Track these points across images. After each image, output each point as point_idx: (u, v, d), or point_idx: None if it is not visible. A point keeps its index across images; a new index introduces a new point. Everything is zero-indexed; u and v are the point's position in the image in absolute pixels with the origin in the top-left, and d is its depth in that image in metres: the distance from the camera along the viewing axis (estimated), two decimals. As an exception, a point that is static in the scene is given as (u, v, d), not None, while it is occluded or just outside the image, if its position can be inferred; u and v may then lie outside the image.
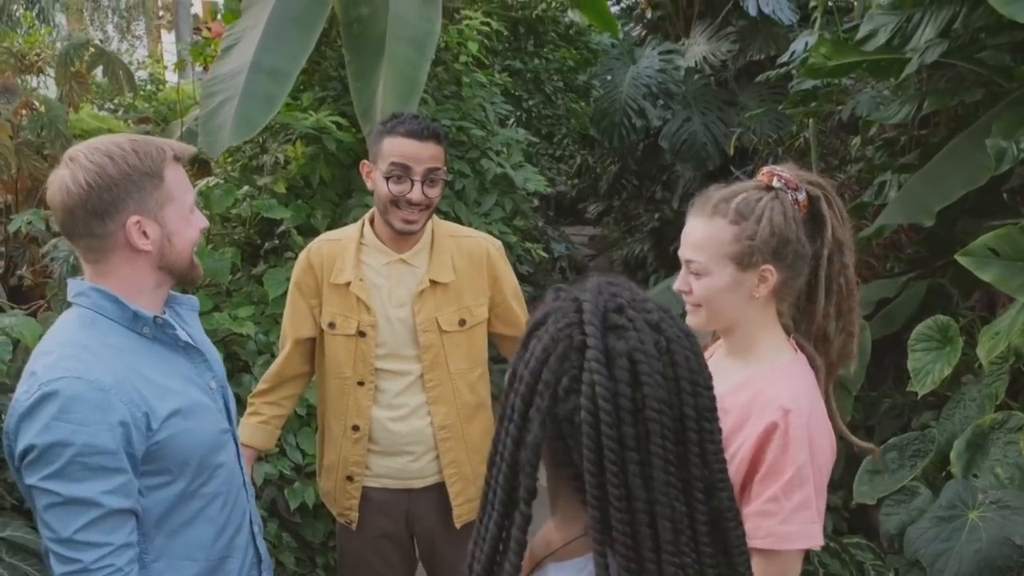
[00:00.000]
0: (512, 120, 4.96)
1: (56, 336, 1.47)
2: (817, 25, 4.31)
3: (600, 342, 0.92)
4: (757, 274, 1.54)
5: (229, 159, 3.87)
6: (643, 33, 7.49)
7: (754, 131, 5.63)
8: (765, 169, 1.58)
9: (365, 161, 2.22)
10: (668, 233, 7.30)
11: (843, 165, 5.01)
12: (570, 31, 5.99)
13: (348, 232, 2.28)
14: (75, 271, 2.80)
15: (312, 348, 2.29)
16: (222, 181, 3.41)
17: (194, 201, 1.58)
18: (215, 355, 1.71)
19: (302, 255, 2.28)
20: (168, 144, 1.54)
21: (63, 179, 1.44)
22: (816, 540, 1.49)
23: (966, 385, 2.91)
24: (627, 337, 0.93)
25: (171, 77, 7.36)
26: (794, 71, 4.65)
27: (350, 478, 2.24)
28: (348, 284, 2.17)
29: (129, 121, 5.19)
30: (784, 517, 1.45)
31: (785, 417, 1.47)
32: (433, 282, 2.18)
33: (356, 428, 2.20)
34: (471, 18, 4.07)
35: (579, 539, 0.99)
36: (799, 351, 1.61)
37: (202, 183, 3.36)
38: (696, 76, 6.84)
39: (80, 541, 1.37)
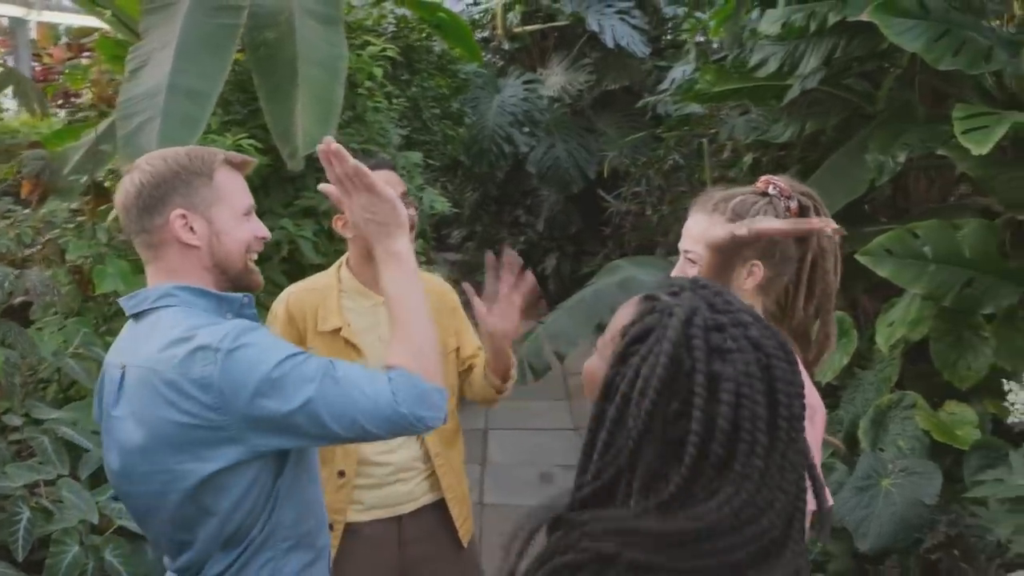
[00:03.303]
0: (401, 145, 5.05)
1: (177, 326, 1.43)
2: (691, 56, 4.70)
3: (706, 366, 0.94)
4: (747, 268, 1.71)
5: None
6: (500, 64, 7.78)
7: (625, 155, 5.98)
8: (764, 178, 1.76)
9: (337, 216, 2.23)
10: (534, 255, 7.58)
11: (717, 182, 5.46)
12: (441, 60, 6.15)
13: (322, 280, 2.28)
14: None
15: None
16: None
17: (251, 208, 1.58)
18: None
19: (278, 307, 2.24)
20: (223, 152, 1.58)
21: (124, 183, 1.51)
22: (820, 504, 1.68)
23: (863, 371, 3.27)
24: (732, 360, 0.95)
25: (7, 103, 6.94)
26: (669, 98, 5.04)
27: (330, 526, 2.22)
28: (338, 330, 2.16)
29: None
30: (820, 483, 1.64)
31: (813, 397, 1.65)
32: None
33: (342, 474, 2.16)
34: (373, 43, 4.15)
35: None
36: None
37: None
38: (556, 105, 7.19)
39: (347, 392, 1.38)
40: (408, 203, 2.16)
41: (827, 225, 1.57)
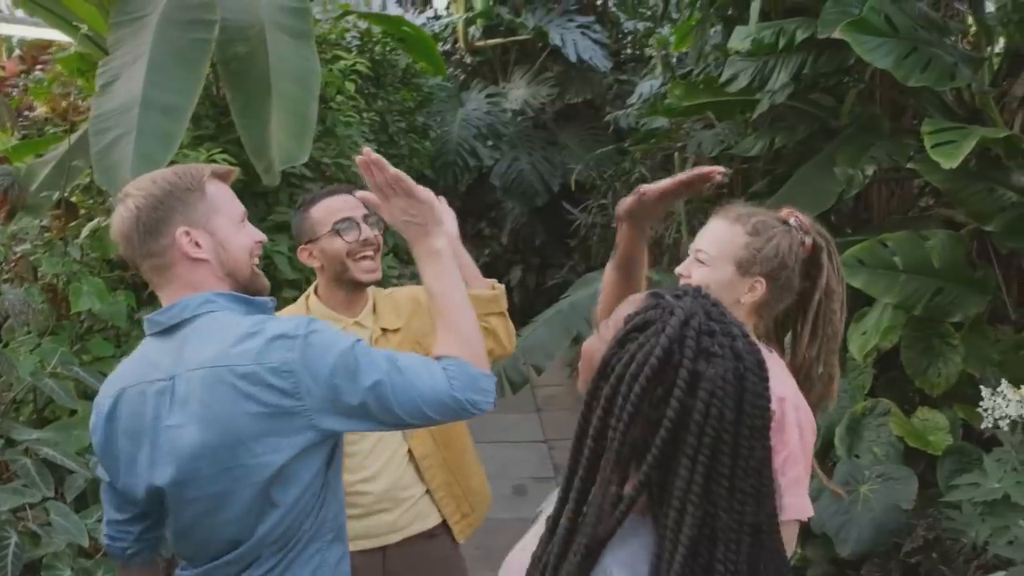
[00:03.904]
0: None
1: (237, 324, 1.46)
2: (658, 71, 4.77)
3: (692, 364, 1.08)
4: (749, 283, 1.76)
5: (98, 198, 3.69)
6: (463, 77, 7.81)
7: (591, 168, 6.04)
8: (787, 210, 1.81)
9: (302, 247, 2.25)
10: (498, 268, 7.59)
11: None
12: (406, 73, 6.16)
13: (293, 310, 2.29)
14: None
15: None
16: (105, 221, 3.25)
17: (245, 215, 1.61)
18: None
19: None
20: (207, 166, 1.61)
21: (118, 213, 1.52)
22: (807, 511, 1.72)
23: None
24: (715, 364, 1.08)
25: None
26: (635, 112, 5.11)
27: None
28: None
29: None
30: (779, 493, 1.68)
31: (780, 405, 1.68)
32: (384, 330, 2.24)
33: None
34: (344, 58, 4.14)
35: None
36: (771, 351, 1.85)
37: (92, 223, 3.19)
38: (519, 118, 7.24)
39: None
40: (372, 224, 2.19)
41: (715, 171, 1.66)
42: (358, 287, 2.23)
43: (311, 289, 2.33)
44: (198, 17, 3.59)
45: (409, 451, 2.25)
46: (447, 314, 1.55)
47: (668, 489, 1.08)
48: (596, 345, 1.26)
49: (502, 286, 2.29)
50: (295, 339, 1.42)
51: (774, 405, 1.65)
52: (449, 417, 1.47)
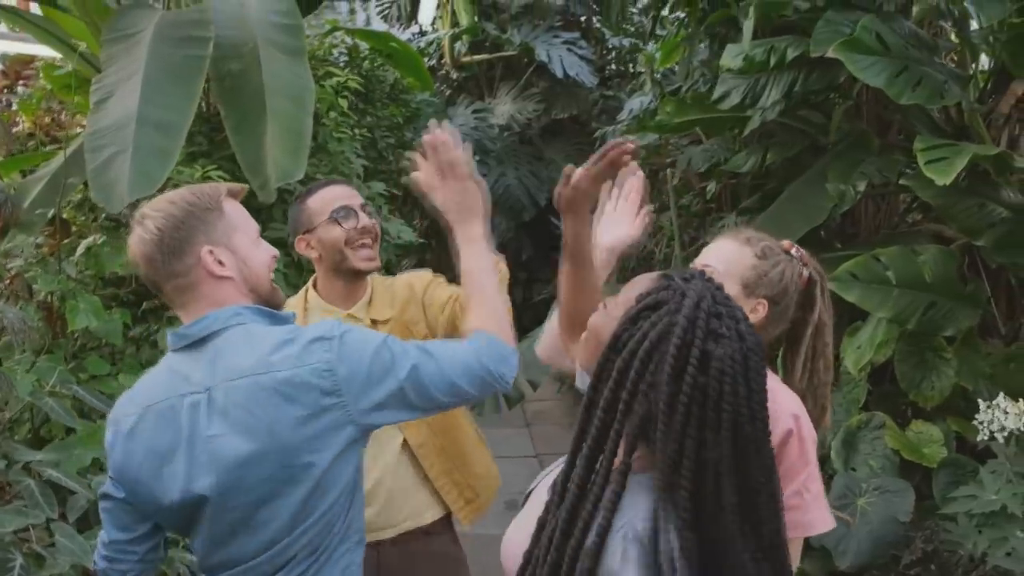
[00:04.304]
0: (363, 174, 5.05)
1: (270, 333, 1.50)
2: (647, 88, 4.82)
3: (703, 344, 1.16)
4: (753, 304, 1.77)
5: (90, 216, 3.67)
6: (448, 93, 7.83)
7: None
8: (788, 242, 1.84)
9: (300, 237, 2.26)
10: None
11: (661, 210, 5.58)
12: (394, 89, 6.17)
13: (291, 303, 2.29)
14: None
15: None
16: (101, 238, 3.24)
17: (259, 231, 1.64)
18: None
19: None
20: (221, 184, 1.64)
21: (138, 235, 1.52)
22: (830, 522, 1.75)
23: (833, 394, 3.37)
24: (723, 344, 1.16)
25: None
26: (624, 128, 5.15)
27: None
28: None
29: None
30: (806, 508, 1.70)
31: (797, 422, 1.71)
32: (374, 320, 2.24)
33: None
34: (337, 75, 4.15)
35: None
36: None
37: (88, 240, 3.17)
38: (505, 134, 7.27)
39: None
40: (369, 213, 2.22)
41: (627, 143, 1.68)
42: (357, 276, 2.24)
43: (310, 283, 2.34)
44: (192, 34, 3.59)
45: (404, 441, 2.24)
46: (479, 294, 1.64)
47: (691, 460, 1.14)
48: (603, 321, 1.34)
49: (505, 268, 2.25)
50: (331, 340, 1.47)
51: (791, 425, 1.69)
52: (480, 388, 1.53)
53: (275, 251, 1.66)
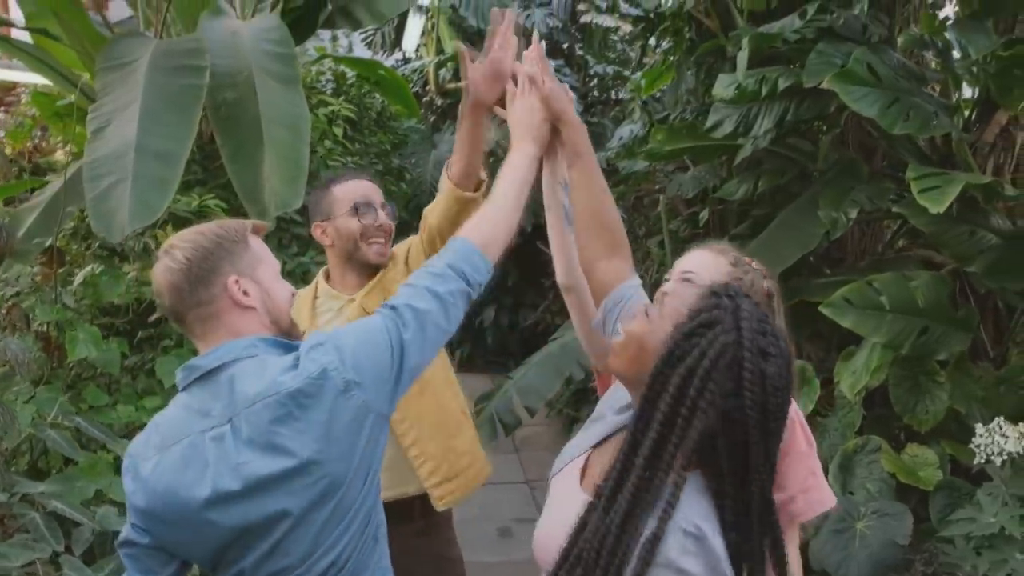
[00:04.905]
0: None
1: (278, 362, 1.51)
2: (636, 115, 4.88)
3: (756, 364, 1.23)
4: None
5: (83, 244, 3.65)
6: (433, 119, 7.87)
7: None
8: (747, 258, 1.92)
9: (316, 223, 2.36)
10: (470, 308, 7.60)
11: (648, 236, 5.63)
12: (381, 116, 6.20)
13: (303, 292, 2.40)
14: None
15: None
16: (99, 268, 3.22)
17: (280, 268, 1.66)
18: None
19: None
20: (246, 220, 1.66)
21: (165, 265, 1.54)
22: (834, 498, 1.80)
23: (826, 418, 3.42)
24: (771, 362, 1.25)
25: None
26: (613, 154, 5.20)
27: None
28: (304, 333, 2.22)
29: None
30: (820, 487, 1.73)
31: (794, 409, 1.76)
32: (364, 309, 2.27)
33: None
34: (331, 103, 4.17)
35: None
36: None
37: (86, 270, 3.16)
38: (491, 159, 7.29)
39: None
40: (388, 212, 2.27)
41: (535, 49, 1.88)
42: (367, 268, 2.32)
43: (320, 274, 2.42)
44: (187, 63, 3.60)
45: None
46: (493, 206, 1.72)
47: (752, 470, 1.23)
48: (646, 329, 1.39)
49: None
50: (324, 344, 1.50)
51: (791, 412, 1.74)
52: (454, 287, 1.58)
53: (293, 289, 1.68)
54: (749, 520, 1.24)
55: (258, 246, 1.62)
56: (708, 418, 1.21)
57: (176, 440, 1.49)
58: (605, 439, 1.60)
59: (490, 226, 1.70)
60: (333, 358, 1.47)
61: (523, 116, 1.80)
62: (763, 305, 1.86)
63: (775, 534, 1.27)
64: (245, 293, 1.55)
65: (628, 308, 1.72)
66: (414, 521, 2.35)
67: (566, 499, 1.50)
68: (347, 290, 2.35)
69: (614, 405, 1.67)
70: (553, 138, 1.87)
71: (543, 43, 2.01)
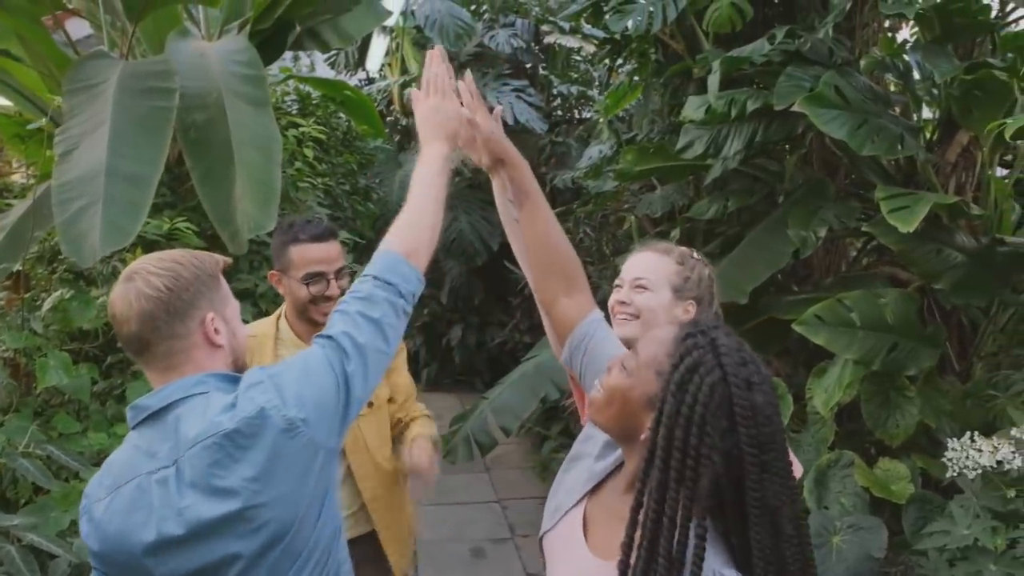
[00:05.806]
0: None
1: (220, 400, 1.45)
2: (604, 136, 4.93)
3: (746, 397, 1.24)
4: (684, 306, 1.91)
5: (48, 268, 3.58)
6: (398, 139, 7.87)
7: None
8: (687, 249, 2.00)
9: (273, 272, 2.42)
10: (438, 327, 7.60)
11: (616, 254, 5.69)
12: (347, 136, 6.19)
13: (263, 327, 2.44)
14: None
15: None
16: (68, 292, 3.16)
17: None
18: None
19: None
20: (217, 255, 1.63)
21: (134, 291, 1.46)
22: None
23: (798, 433, 3.47)
24: (758, 391, 1.25)
25: None
26: (582, 174, 5.24)
27: None
28: None
29: None
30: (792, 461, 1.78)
31: None
32: None
33: None
34: (302, 125, 4.15)
35: None
36: None
37: (56, 295, 3.10)
38: (457, 179, 7.32)
39: None
40: (343, 275, 2.30)
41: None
42: (317, 325, 2.30)
43: (282, 309, 2.46)
44: (156, 85, 3.55)
45: (348, 467, 2.36)
46: (411, 210, 1.70)
47: (759, 501, 1.22)
48: (627, 383, 1.38)
49: None
50: (263, 382, 1.45)
51: None
52: (387, 308, 1.55)
53: (249, 330, 1.71)
54: (778, 550, 1.24)
55: (224, 283, 1.59)
56: (713, 463, 1.22)
57: (126, 481, 1.44)
58: (598, 486, 1.58)
59: (413, 232, 1.67)
60: (272, 396, 1.42)
61: (429, 115, 1.80)
62: (707, 291, 1.93)
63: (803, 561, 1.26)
64: (216, 331, 1.51)
65: (594, 344, 1.73)
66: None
67: (575, 564, 1.48)
68: (305, 338, 2.37)
69: (593, 449, 1.66)
70: (493, 156, 1.91)
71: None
